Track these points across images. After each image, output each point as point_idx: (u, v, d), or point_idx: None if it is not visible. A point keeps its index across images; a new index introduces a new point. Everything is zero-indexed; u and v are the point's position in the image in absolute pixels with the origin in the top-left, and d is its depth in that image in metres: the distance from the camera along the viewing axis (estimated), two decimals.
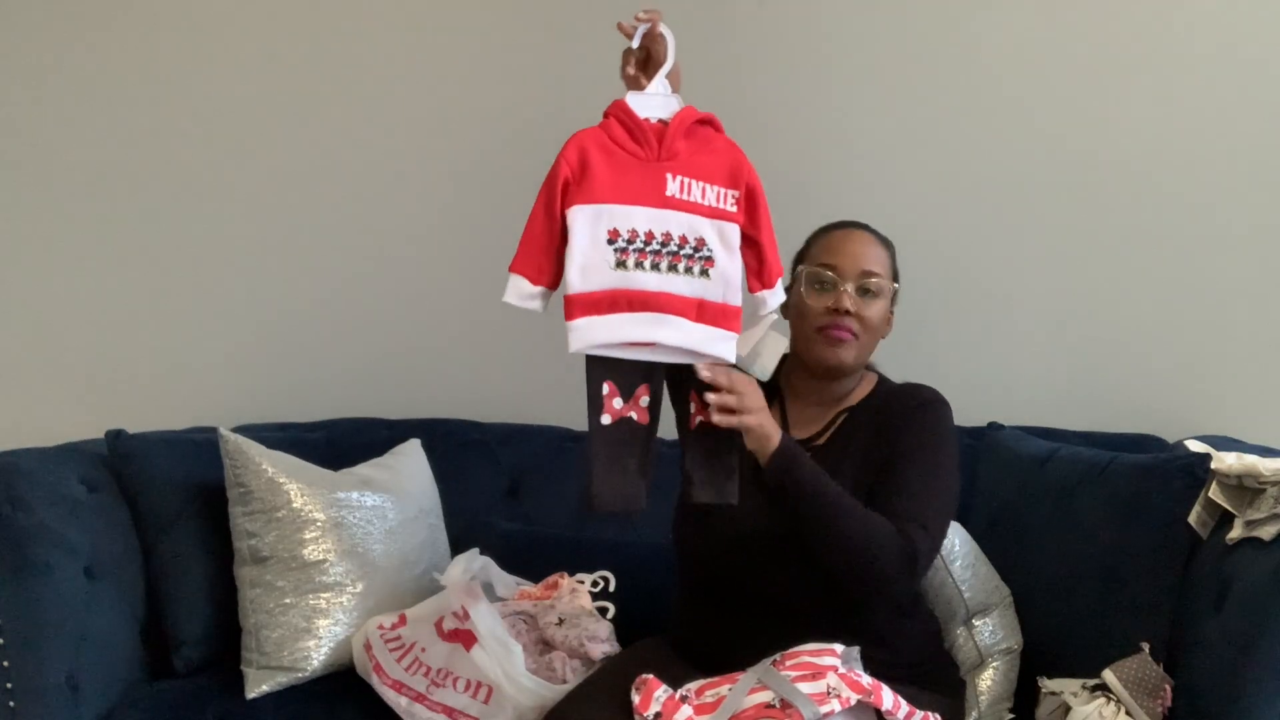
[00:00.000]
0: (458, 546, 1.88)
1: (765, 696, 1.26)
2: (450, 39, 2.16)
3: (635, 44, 1.32)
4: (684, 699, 1.31)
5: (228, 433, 1.75)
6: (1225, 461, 1.55)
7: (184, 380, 2.28)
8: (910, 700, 1.29)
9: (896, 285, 1.54)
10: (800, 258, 1.56)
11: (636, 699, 1.32)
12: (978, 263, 2.04)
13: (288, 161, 2.22)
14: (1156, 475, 1.61)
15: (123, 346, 2.29)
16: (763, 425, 1.32)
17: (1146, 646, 1.48)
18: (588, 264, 1.24)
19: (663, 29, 1.32)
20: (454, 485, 2.01)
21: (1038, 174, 2.01)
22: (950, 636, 1.66)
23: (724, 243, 1.29)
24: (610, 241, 1.25)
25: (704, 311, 1.27)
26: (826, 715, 1.22)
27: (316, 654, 1.68)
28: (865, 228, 1.55)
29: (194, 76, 2.22)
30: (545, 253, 1.26)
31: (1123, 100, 1.97)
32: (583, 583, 1.79)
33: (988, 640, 1.65)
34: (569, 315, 1.24)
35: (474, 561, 1.74)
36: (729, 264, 1.28)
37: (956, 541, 1.68)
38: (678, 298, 1.26)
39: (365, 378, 2.26)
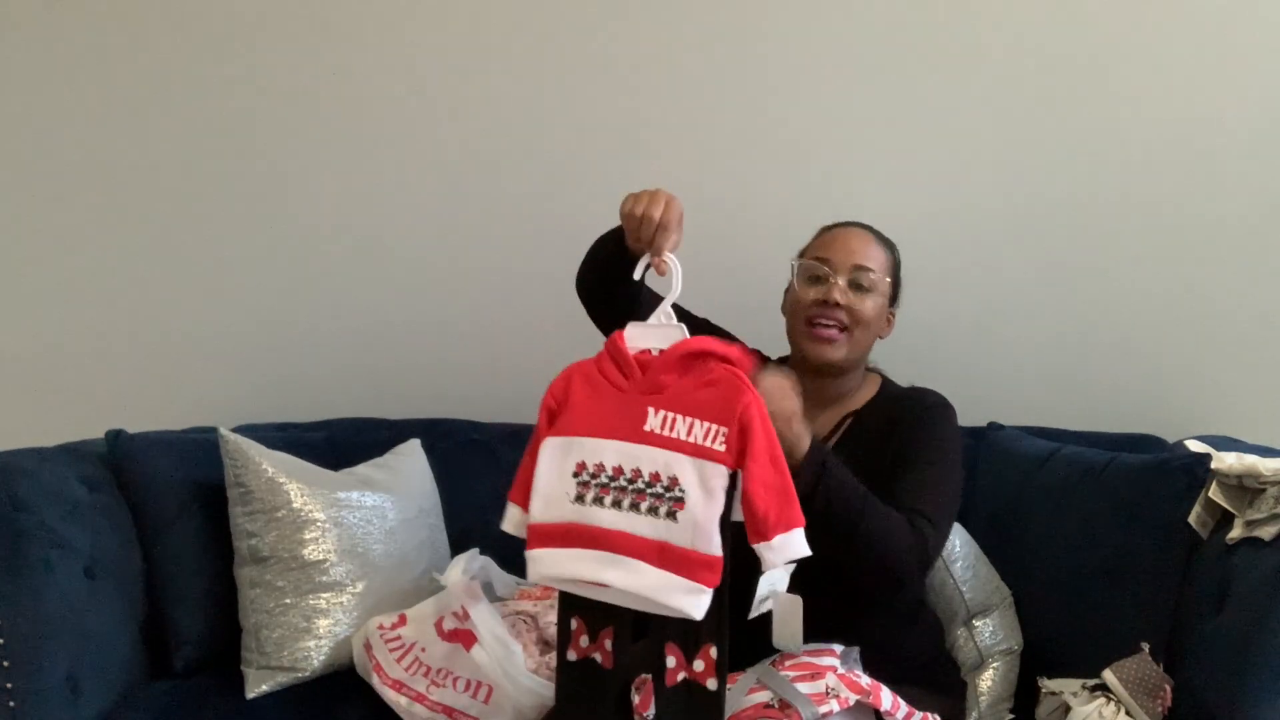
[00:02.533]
0: (458, 546, 1.88)
1: (764, 696, 1.26)
2: (450, 39, 2.15)
3: (637, 276, 1.31)
4: None
5: (228, 433, 1.75)
6: (1225, 461, 1.55)
7: (184, 380, 2.28)
8: (910, 701, 1.29)
9: (894, 282, 1.53)
10: (801, 254, 1.57)
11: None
12: (978, 263, 2.04)
13: (288, 161, 2.22)
14: (1156, 475, 1.62)
15: (123, 346, 2.29)
16: (793, 428, 1.26)
17: (1146, 646, 1.49)
18: (550, 495, 1.21)
19: (671, 260, 1.28)
20: (454, 485, 2.01)
21: (1038, 174, 2.01)
22: (950, 637, 1.66)
23: (702, 484, 1.15)
24: (575, 475, 1.20)
25: (666, 556, 1.14)
26: (825, 715, 1.22)
27: (316, 654, 1.68)
28: (866, 227, 1.55)
29: (194, 76, 2.22)
30: (529, 480, 1.24)
31: (1123, 100, 1.96)
32: None
33: (988, 641, 1.65)
34: (529, 545, 1.21)
35: (474, 561, 1.74)
36: (703, 508, 1.14)
37: (957, 542, 1.68)
38: (636, 538, 1.16)
39: (365, 378, 2.26)
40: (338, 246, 2.24)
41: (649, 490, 1.17)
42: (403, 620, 1.68)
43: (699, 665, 1.18)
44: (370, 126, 2.20)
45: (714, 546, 1.13)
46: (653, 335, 1.25)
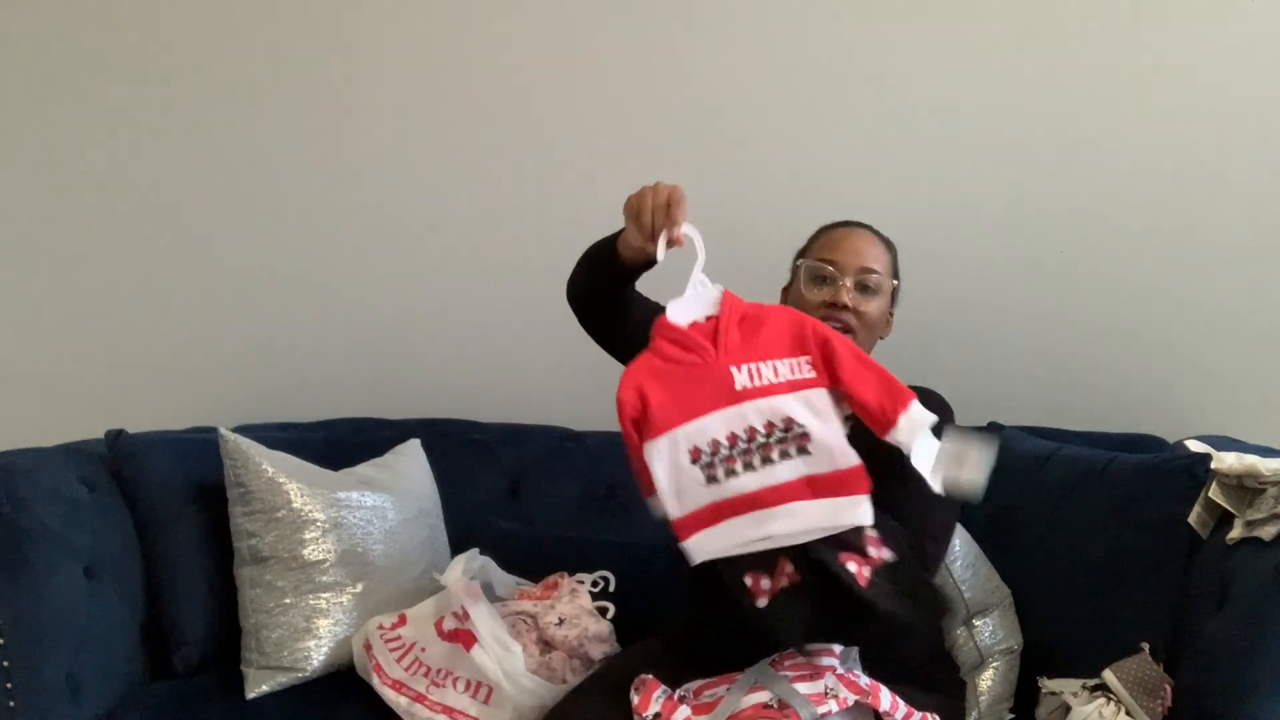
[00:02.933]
0: (458, 546, 1.88)
1: (763, 697, 1.26)
2: (449, 38, 2.16)
3: (660, 257, 1.29)
4: (682, 699, 1.31)
5: (228, 433, 1.75)
6: (1225, 461, 1.55)
7: (184, 380, 2.29)
8: (910, 701, 1.29)
9: (897, 283, 1.54)
10: (801, 253, 1.57)
11: (636, 699, 1.32)
12: (978, 263, 2.04)
13: (287, 161, 2.22)
14: (1156, 475, 1.61)
15: (123, 346, 2.29)
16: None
17: (1146, 646, 1.48)
18: (680, 490, 1.23)
19: (690, 230, 1.29)
20: (454, 485, 2.01)
21: (1038, 173, 2.01)
22: (950, 637, 1.66)
23: (814, 411, 1.22)
24: (694, 461, 1.22)
25: (817, 486, 1.20)
26: (824, 716, 1.22)
27: (316, 654, 1.68)
28: (867, 227, 1.56)
29: (194, 76, 2.22)
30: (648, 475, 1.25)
31: (1123, 100, 1.96)
32: (583, 583, 1.79)
33: (988, 640, 1.65)
34: (681, 537, 1.22)
35: (474, 561, 1.75)
36: (826, 431, 1.21)
37: (957, 542, 1.68)
38: (782, 486, 1.20)
39: (365, 378, 2.26)
40: (338, 247, 2.24)
41: (771, 439, 1.21)
42: (403, 620, 1.68)
43: (872, 551, 1.21)
44: (370, 127, 2.20)
45: (851, 457, 1.20)
46: (695, 305, 1.28)
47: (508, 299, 2.20)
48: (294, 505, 1.72)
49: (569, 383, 2.19)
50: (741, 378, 1.23)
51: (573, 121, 2.14)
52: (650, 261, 1.35)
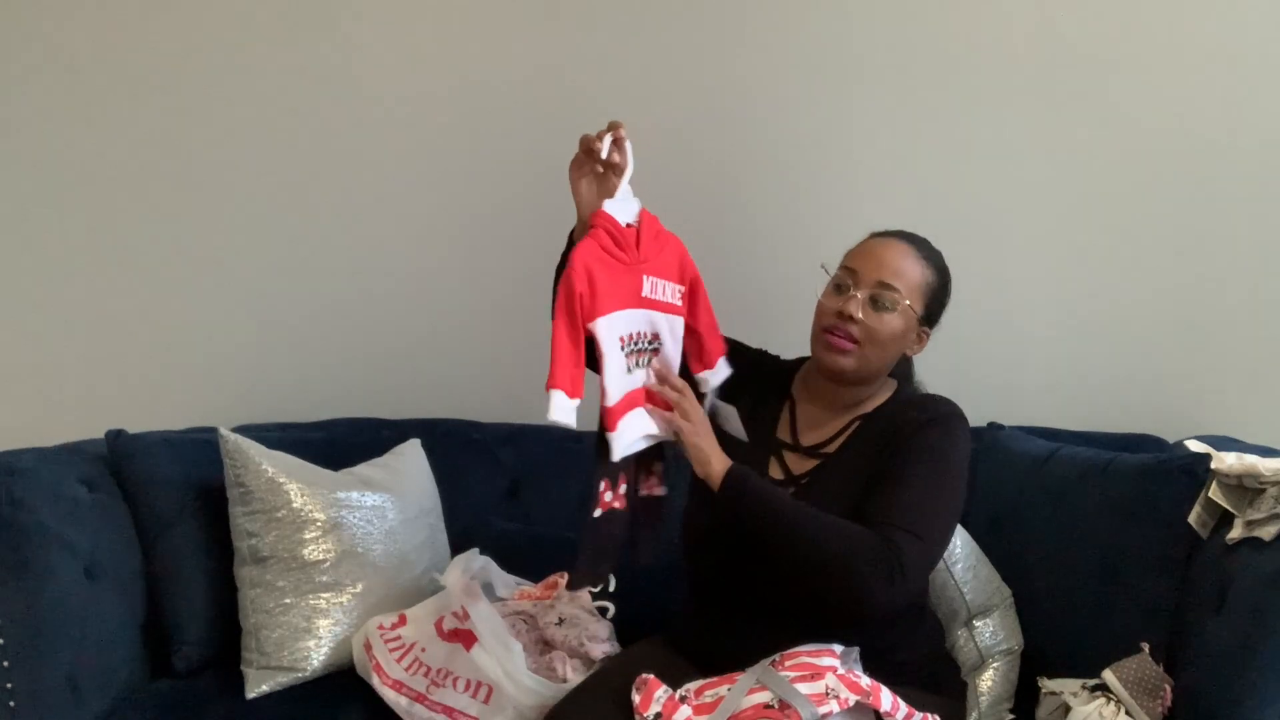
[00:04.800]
0: (458, 546, 1.88)
1: (764, 697, 1.26)
2: (448, 38, 2.15)
3: (605, 155, 1.38)
4: (683, 699, 1.31)
5: (228, 433, 1.75)
6: (1225, 461, 1.55)
7: (184, 380, 2.28)
8: (910, 701, 1.29)
9: (927, 301, 1.48)
10: (847, 256, 1.52)
11: (637, 699, 1.33)
12: (978, 263, 2.03)
13: (287, 161, 2.22)
14: (1156, 475, 1.62)
15: (123, 346, 2.29)
16: (700, 447, 1.38)
17: (1146, 646, 1.48)
18: (616, 375, 1.34)
19: (626, 141, 1.40)
20: (454, 485, 2.01)
21: (1038, 174, 2.01)
22: (951, 637, 1.66)
23: (672, 334, 1.43)
24: (621, 348, 1.35)
25: (652, 397, 1.40)
26: (825, 716, 1.22)
27: (316, 654, 1.68)
28: (912, 241, 1.49)
29: (193, 76, 2.21)
30: (575, 365, 1.30)
31: (1124, 100, 1.96)
32: None
33: (988, 641, 1.65)
34: (610, 424, 1.33)
35: (474, 561, 1.75)
36: (672, 351, 1.43)
37: (958, 543, 1.68)
38: (643, 389, 1.39)
39: (365, 378, 2.26)
40: (338, 247, 2.24)
41: (643, 347, 1.39)
42: (403, 620, 1.68)
43: (653, 480, 1.46)
44: (370, 127, 2.20)
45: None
46: (625, 209, 1.39)
47: (508, 300, 2.20)
48: (294, 505, 1.72)
49: None
50: (647, 287, 1.38)
51: (574, 123, 2.13)
52: None
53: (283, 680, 1.66)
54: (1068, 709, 1.48)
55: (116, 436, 1.78)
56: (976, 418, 1.91)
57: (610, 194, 1.38)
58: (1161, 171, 1.96)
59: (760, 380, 1.58)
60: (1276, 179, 1.93)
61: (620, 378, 1.34)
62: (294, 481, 1.74)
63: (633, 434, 1.37)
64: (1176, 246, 1.98)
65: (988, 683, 1.62)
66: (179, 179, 2.25)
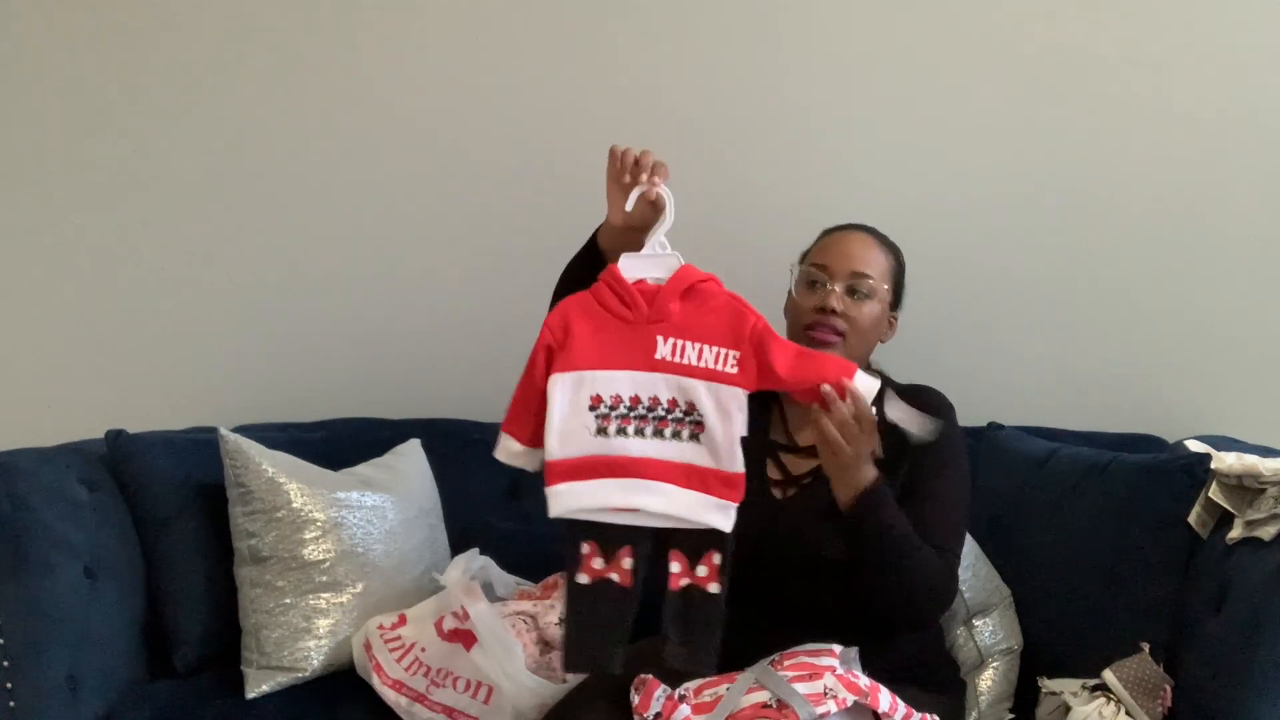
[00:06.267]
0: (458, 546, 1.88)
1: (762, 696, 1.26)
2: (447, 38, 2.15)
3: (630, 208, 1.30)
4: (682, 698, 1.31)
5: (228, 433, 1.75)
6: (1225, 461, 1.55)
7: (184, 380, 2.28)
8: (909, 701, 1.29)
9: (893, 287, 1.52)
10: (803, 257, 1.57)
11: (636, 699, 1.32)
12: (978, 263, 2.04)
13: (287, 161, 2.22)
14: (1156, 475, 1.62)
15: (123, 346, 2.29)
16: (860, 467, 1.29)
17: (1146, 646, 1.49)
18: (566, 431, 1.22)
19: (663, 189, 1.29)
20: (454, 485, 2.01)
21: (1037, 174, 2.00)
22: (950, 636, 1.66)
23: (718, 406, 1.22)
24: (591, 408, 1.23)
25: (693, 477, 1.21)
26: (822, 716, 1.22)
27: (316, 654, 1.69)
28: (869, 231, 1.54)
29: (193, 77, 2.21)
30: (532, 415, 1.25)
31: (1125, 99, 1.96)
32: None
33: (988, 640, 1.65)
34: (549, 481, 1.22)
35: (474, 561, 1.75)
36: (721, 428, 1.21)
37: None
38: (663, 463, 1.21)
39: (365, 378, 2.26)
40: (337, 246, 2.24)
41: (669, 416, 1.22)
42: (403, 620, 1.68)
43: (702, 570, 1.22)
44: (370, 127, 2.20)
45: (736, 464, 1.20)
46: (650, 265, 1.27)
47: (508, 299, 2.20)
48: (294, 505, 1.72)
49: None
50: (664, 349, 1.24)
51: (574, 123, 2.14)
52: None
53: (282, 680, 1.66)
54: (1068, 709, 1.48)
55: (116, 436, 1.78)
56: (976, 418, 1.93)
57: (642, 211, 1.30)
58: (1161, 170, 1.96)
59: None
60: (1275, 178, 1.92)
61: (577, 436, 1.22)
62: (294, 481, 1.74)
63: (592, 502, 1.22)
64: (1177, 246, 1.98)
65: (987, 682, 1.62)
66: (179, 179, 2.25)
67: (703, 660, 1.23)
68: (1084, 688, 1.50)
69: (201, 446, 1.80)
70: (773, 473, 1.50)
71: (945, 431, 1.45)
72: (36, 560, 1.52)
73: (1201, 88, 1.93)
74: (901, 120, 2.04)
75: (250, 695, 1.64)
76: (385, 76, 2.18)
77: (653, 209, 1.31)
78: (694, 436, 1.22)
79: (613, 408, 1.23)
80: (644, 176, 1.29)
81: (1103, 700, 1.45)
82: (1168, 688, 1.44)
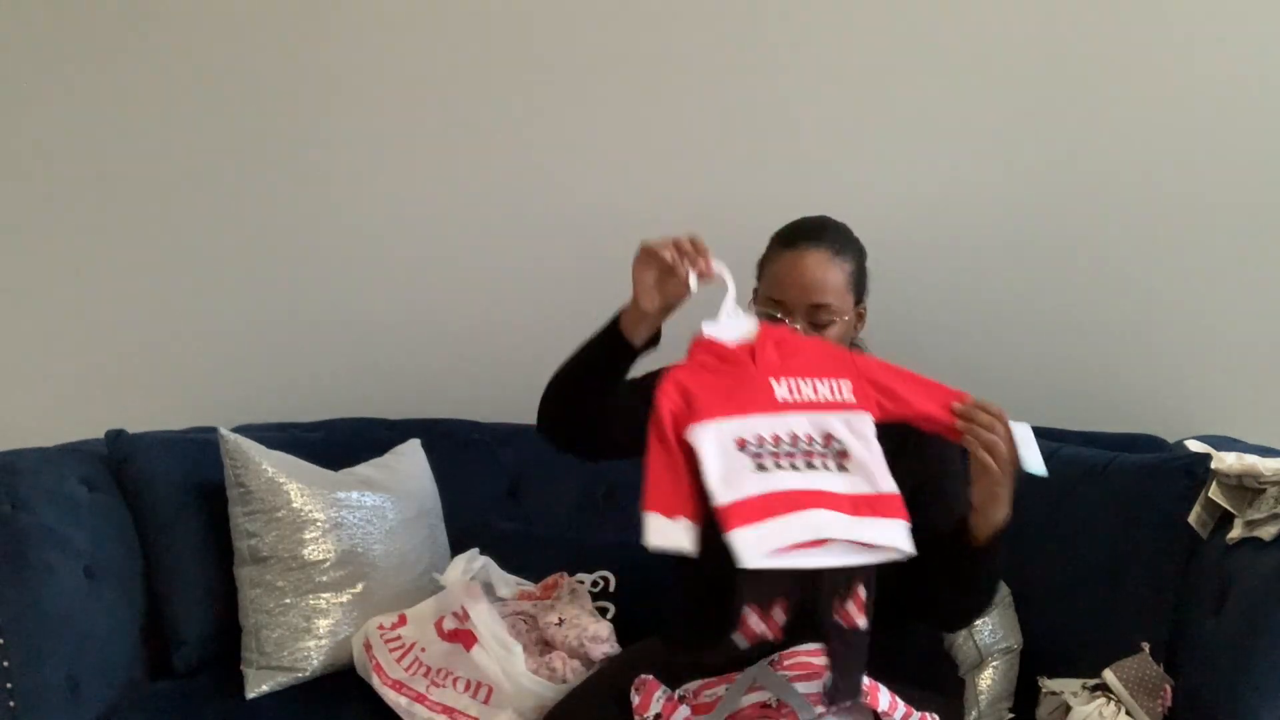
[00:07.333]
0: (458, 546, 1.88)
1: (762, 696, 1.26)
2: (449, 39, 2.15)
3: (694, 289, 1.28)
4: (682, 699, 1.31)
5: (228, 433, 1.75)
6: (1225, 461, 1.55)
7: (184, 380, 2.28)
8: (908, 700, 1.29)
9: (854, 288, 1.46)
10: (761, 265, 1.49)
11: (636, 699, 1.33)
12: (977, 262, 2.04)
13: (287, 162, 2.22)
14: (1156, 475, 1.61)
15: (123, 346, 2.29)
16: (1008, 496, 1.25)
17: (1146, 646, 1.49)
18: (728, 474, 1.14)
19: (718, 267, 1.28)
20: (454, 485, 2.01)
21: (1037, 173, 2.00)
22: (950, 636, 1.66)
23: (854, 432, 1.20)
24: (741, 449, 1.17)
25: (858, 505, 1.15)
26: (821, 715, 1.22)
27: (316, 654, 1.69)
28: (819, 242, 1.44)
29: (193, 77, 2.22)
30: (674, 484, 1.16)
31: (1123, 99, 1.96)
32: (583, 583, 1.79)
33: (988, 640, 1.65)
34: (727, 526, 1.11)
35: (474, 561, 1.75)
36: (865, 453, 1.18)
37: None
38: (827, 494, 1.15)
39: (365, 378, 2.26)
40: (337, 246, 2.24)
41: (814, 449, 1.18)
42: (403, 620, 1.68)
43: (851, 607, 1.18)
44: (370, 126, 2.20)
45: (890, 484, 1.17)
46: (730, 327, 1.26)
47: (508, 299, 2.20)
48: (294, 505, 1.72)
49: None
50: (781, 390, 1.21)
51: (574, 123, 2.14)
52: (655, 338, 1.35)
53: (283, 680, 1.66)
54: (1068, 709, 1.48)
55: (116, 436, 1.78)
56: None
57: (678, 293, 1.28)
58: (1160, 169, 1.96)
59: None
60: (1276, 178, 1.92)
61: (741, 476, 1.14)
62: (294, 481, 1.74)
63: (781, 540, 1.11)
64: (1177, 245, 1.97)
65: (987, 681, 1.62)
66: (179, 179, 2.25)
67: (849, 692, 1.23)
68: (1084, 687, 1.50)
69: (201, 446, 1.80)
70: None
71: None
72: (36, 560, 1.52)
73: (1201, 88, 1.93)
74: (901, 120, 2.03)
75: (250, 695, 1.64)
76: (386, 77, 2.18)
77: (683, 287, 1.29)
78: (842, 467, 1.18)
79: (760, 446, 1.17)
80: (701, 262, 1.27)
81: (1103, 700, 1.45)
82: (1168, 688, 1.44)
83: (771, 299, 1.42)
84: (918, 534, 1.23)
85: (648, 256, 1.29)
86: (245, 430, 1.85)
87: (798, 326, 1.39)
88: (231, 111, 2.22)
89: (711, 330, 1.25)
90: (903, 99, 2.03)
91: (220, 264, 2.26)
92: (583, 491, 2.04)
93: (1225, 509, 1.52)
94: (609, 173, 2.13)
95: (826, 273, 1.41)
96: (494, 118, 2.16)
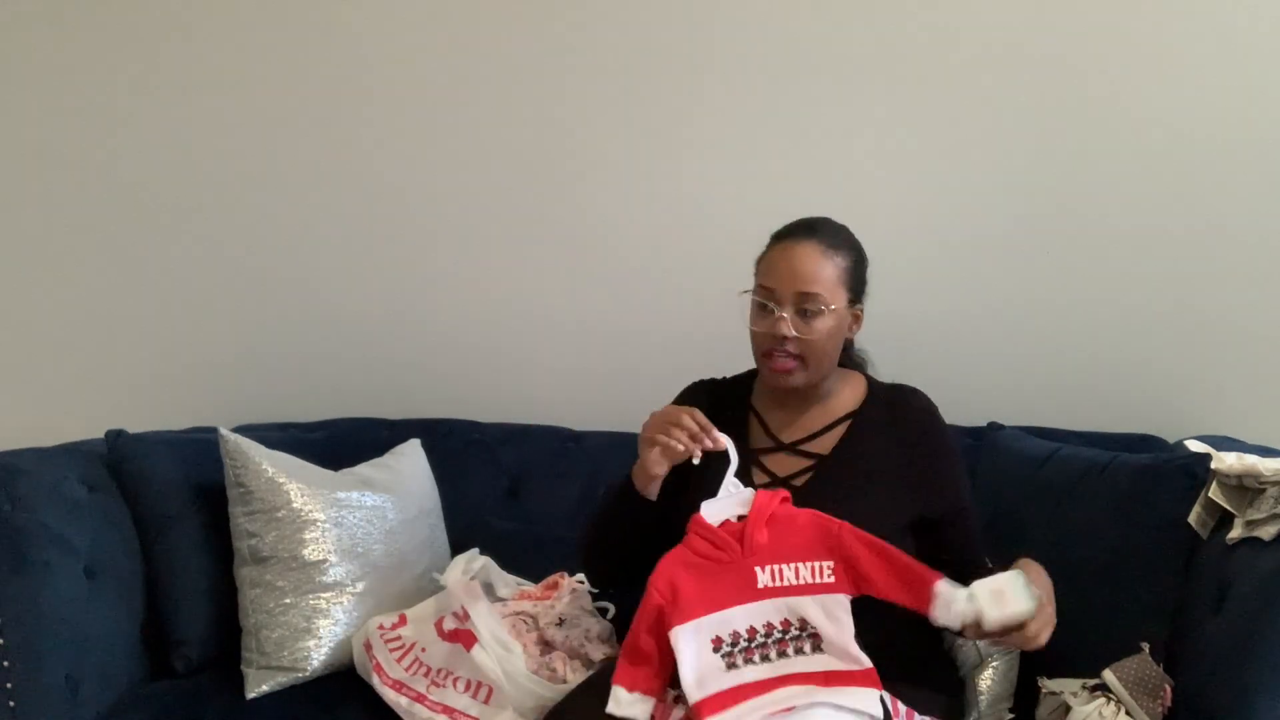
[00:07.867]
0: (458, 546, 1.88)
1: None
2: (445, 39, 2.15)
3: (697, 462, 1.37)
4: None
5: (228, 433, 1.75)
6: (1225, 461, 1.55)
7: (184, 380, 2.29)
8: (908, 701, 1.29)
9: (850, 285, 1.46)
10: (756, 265, 1.50)
11: None
12: (977, 263, 2.04)
13: (287, 162, 2.23)
14: (1156, 475, 1.61)
15: (123, 346, 2.29)
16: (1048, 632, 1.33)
17: (1146, 646, 1.48)
18: (703, 674, 1.29)
19: (723, 438, 1.38)
20: (454, 485, 2.01)
21: (1037, 173, 2.00)
22: (950, 636, 1.66)
23: (828, 615, 1.31)
24: (715, 649, 1.30)
25: (830, 679, 1.28)
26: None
27: (316, 654, 1.68)
28: (812, 235, 1.45)
29: (192, 78, 2.22)
30: (642, 666, 1.32)
31: (1120, 99, 1.96)
32: (583, 583, 1.79)
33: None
34: (700, 717, 1.27)
35: (474, 561, 1.75)
36: (838, 634, 1.30)
37: None
38: (798, 675, 1.29)
39: (365, 378, 2.26)
40: (338, 247, 2.24)
41: (787, 636, 1.31)
42: (403, 620, 1.68)
43: None
44: (369, 127, 2.20)
45: (863, 661, 1.28)
46: (728, 505, 1.37)
47: (508, 300, 2.20)
48: (294, 505, 1.72)
49: (569, 383, 2.19)
50: (764, 577, 1.33)
51: (573, 124, 2.14)
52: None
53: (283, 680, 1.66)
54: (1068, 709, 1.48)
55: (116, 436, 1.78)
56: (976, 418, 1.93)
57: (684, 458, 1.37)
58: (1160, 170, 1.96)
59: (715, 405, 1.52)
60: (1276, 177, 1.92)
61: (713, 676, 1.29)
62: (294, 481, 1.74)
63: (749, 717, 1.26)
64: (1176, 245, 1.98)
65: (987, 681, 1.61)
66: (179, 179, 2.25)
67: None
68: (1084, 688, 1.50)
69: (201, 446, 1.80)
70: (759, 478, 1.49)
71: (942, 429, 1.51)
72: (36, 560, 1.52)
73: (1201, 88, 1.93)
74: (900, 121, 2.03)
75: (250, 695, 1.64)
76: (385, 77, 2.18)
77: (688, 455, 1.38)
78: (816, 648, 1.30)
79: (734, 644, 1.30)
80: (708, 440, 1.37)
81: (1103, 700, 1.45)
82: (1168, 688, 1.44)
83: (763, 286, 1.45)
84: (941, 554, 1.38)
85: (657, 428, 1.39)
86: (245, 430, 1.85)
87: (785, 315, 1.41)
88: (232, 111, 2.22)
89: (708, 511, 1.36)
90: (904, 102, 2.03)
91: (221, 264, 2.26)
92: (583, 491, 2.04)
93: (1225, 509, 1.52)
94: (609, 174, 2.13)
95: (818, 264, 1.43)
96: (495, 119, 2.16)
